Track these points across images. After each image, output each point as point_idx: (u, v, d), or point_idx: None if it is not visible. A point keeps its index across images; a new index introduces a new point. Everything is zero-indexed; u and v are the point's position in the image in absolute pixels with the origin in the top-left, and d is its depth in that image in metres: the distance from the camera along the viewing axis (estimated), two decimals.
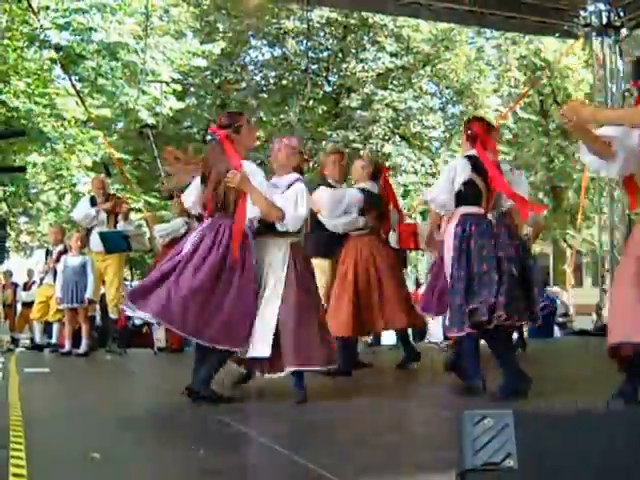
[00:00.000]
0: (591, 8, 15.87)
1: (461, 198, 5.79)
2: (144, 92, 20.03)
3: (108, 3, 19.71)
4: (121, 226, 10.87)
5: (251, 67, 26.62)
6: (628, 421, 2.71)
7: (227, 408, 5.31)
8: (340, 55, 25.67)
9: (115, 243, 10.52)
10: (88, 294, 10.46)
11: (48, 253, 11.95)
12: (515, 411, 2.63)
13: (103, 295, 11.26)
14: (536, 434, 2.60)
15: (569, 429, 2.64)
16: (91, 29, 19.44)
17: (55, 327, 11.42)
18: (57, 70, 19.62)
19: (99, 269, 10.71)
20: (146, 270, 12.02)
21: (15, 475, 3.38)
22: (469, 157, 5.91)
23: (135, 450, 4.08)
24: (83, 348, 10.46)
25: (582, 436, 2.61)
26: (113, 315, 10.99)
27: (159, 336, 12.31)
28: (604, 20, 15.90)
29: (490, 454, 2.55)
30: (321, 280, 7.10)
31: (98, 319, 12.55)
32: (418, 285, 19.24)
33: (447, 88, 26.71)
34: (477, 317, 5.46)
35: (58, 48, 18.85)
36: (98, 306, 11.95)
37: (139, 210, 18.78)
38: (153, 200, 22.54)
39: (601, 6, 15.85)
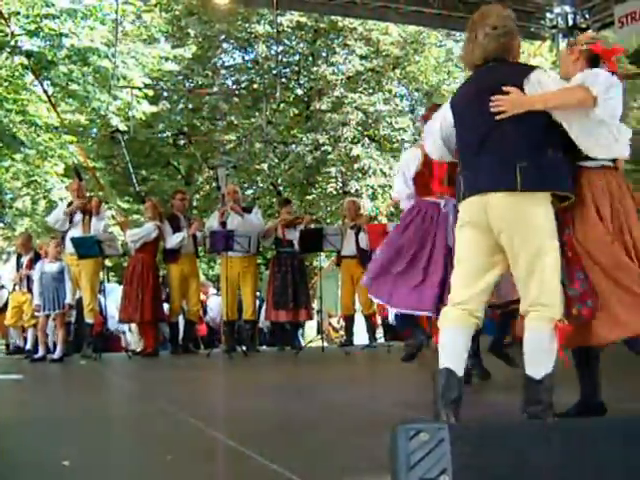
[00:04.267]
0: (557, 10, 16.11)
1: None
2: (115, 97, 20.10)
3: (79, 9, 19.71)
4: (94, 222, 10.98)
5: (223, 71, 26.66)
6: (565, 433, 2.67)
7: (199, 412, 5.35)
8: (310, 59, 25.76)
9: (88, 248, 10.61)
10: (68, 299, 10.53)
11: (19, 261, 12.02)
12: (451, 425, 2.58)
13: (78, 300, 11.34)
14: (472, 449, 2.55)
15: (505, 443, 2.60)
16: (62, 35, 19.43)
17: (30, 333, 11.47)
18: (29, 76, 19.60)
19: (74, 273, 10.81)
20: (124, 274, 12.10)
21: None
22: None
23: (106, 457, 4.03)
24: (57, 354, 10.47)
25: (519, 450, 2.58)
26: (88, 320, 11.08)
27: (130, 340, 12.43)
28: (570, 22, 16.14)
29: (425, 470, 2.49)
30: None
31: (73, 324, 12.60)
32: None
33: (416, 90, 26.86)
34: None
35: (29, 54, 18.86)
36: (73, 311, 12.01)
37: (113, 217, 18.86)
38: (126, 205, 22.60)
39: (567, 8, 16.09)
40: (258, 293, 13.26)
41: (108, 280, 12.63)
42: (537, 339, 3.99)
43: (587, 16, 16.10)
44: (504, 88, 4.04)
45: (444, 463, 2.49)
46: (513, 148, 4.02)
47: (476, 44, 4.25)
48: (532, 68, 4.22)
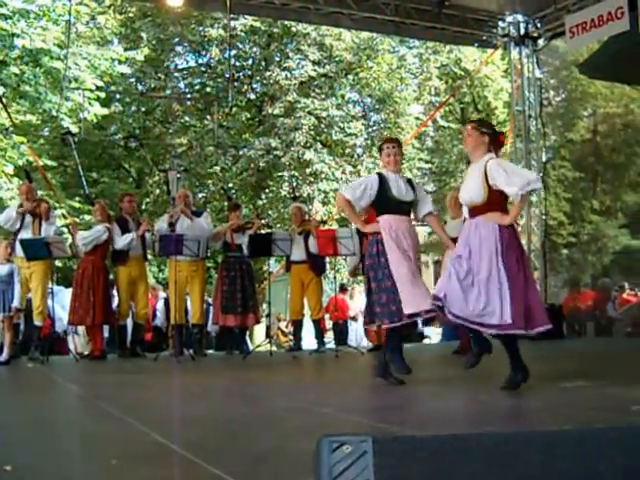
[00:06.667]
0: (509, 19, 16.42)
1: None
2: (67, 99, 20.00)
3: (32, 9, 19.60)
4: (44, 227, 10.98)
5: (175, 74, 26.56)
6: (487, 446, 2.62)
7: (145, 415, 5.35)
8: (263, 63, 25.72)
9: (36, 250, 10.59)
10: (15, 303, 10.50)
11: None
12: (374, 437, 2.53)
13: (27, 302, 11.29)
14: (395, 461, 2.51)
15: (429, 456, 2.55)
16: (14, 35, 19.32)
17: None
18: None
19: (24, 276, 10.77)
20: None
21: None
22: None
23: (50, 460, 4.00)
24: (4, 356, 10.43)
25: (442, 463, 2.54)
26: (37, 322, 11.06)
27: (77, 342, 12.37)
28: (522, 31, 16.47)
29: None
30: None
31: (22, 326, 12.53)
32: (343, 290, 19.43)
33: (369, 96, 26.93)
34: None
35: None
36: (22, 313, 11.95)
37: (64, 216, 18.78)
38: (77, 205, 22.47)
39: (519, 17, 16.39)
40: (206, 297, 13.29)
41: (57, 283, 12.56)
42: None
43: (539, 25, 16.41)
44: None
45: (366, 475, 2.47)
46: None
47: None
48: None
